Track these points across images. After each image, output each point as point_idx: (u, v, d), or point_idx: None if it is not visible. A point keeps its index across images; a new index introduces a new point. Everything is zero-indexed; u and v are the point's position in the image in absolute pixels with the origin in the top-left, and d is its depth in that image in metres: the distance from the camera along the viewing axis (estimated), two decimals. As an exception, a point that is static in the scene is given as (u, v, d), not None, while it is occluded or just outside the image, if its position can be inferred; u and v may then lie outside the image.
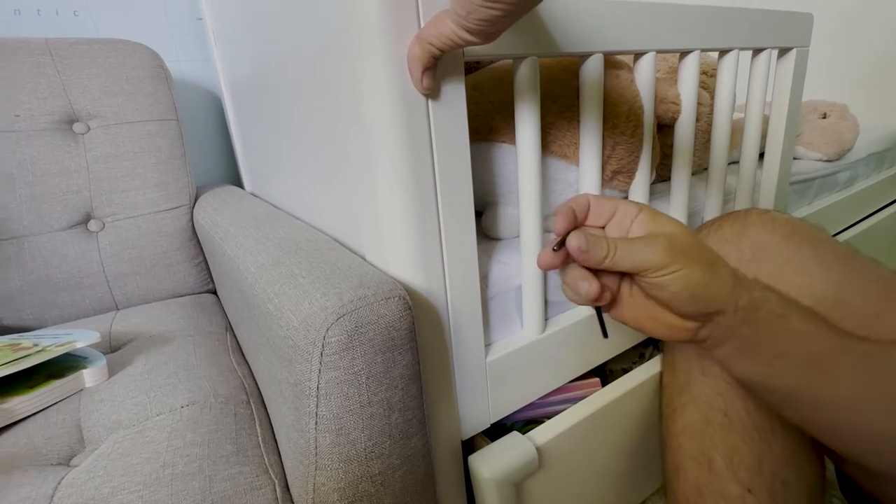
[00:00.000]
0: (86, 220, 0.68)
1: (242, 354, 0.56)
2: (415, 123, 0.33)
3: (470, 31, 0.27)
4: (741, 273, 0.32)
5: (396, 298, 0.31)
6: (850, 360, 0.30)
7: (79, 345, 0.47)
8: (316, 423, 0.30)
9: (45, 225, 0.65)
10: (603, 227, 0.32)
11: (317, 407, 0.30)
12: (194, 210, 0.73)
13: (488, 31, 0.27)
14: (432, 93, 0.33)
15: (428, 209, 0.35)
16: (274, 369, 0.36)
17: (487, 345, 0.45)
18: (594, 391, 0.53)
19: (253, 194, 0.82)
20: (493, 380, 0.43)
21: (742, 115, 0.61)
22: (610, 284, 0.32)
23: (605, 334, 0.34)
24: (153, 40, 0.79)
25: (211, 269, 0.74)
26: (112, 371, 0.48)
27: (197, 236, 0.74)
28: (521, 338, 0.46)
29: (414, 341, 0.32)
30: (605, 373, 0.62)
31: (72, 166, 0.66)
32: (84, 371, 0.45)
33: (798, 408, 0.32)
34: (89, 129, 0.68)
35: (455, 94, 0.34)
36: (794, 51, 0.60)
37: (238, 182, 0.89)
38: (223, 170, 0.94)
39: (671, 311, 0.31)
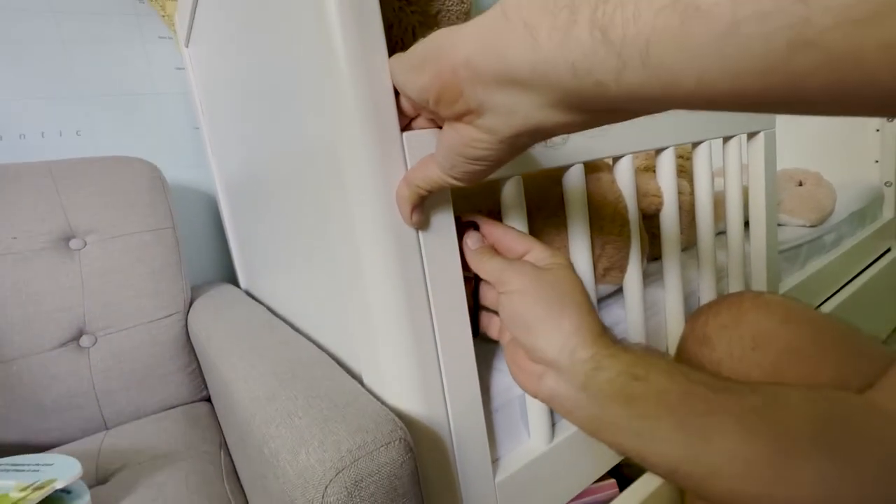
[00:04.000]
0: (78, 336, 0.67)
1: (237, 478, 0.53)
2: (406, 254, 0.33)
3: (455, 178, 0.29)
4: (598, 330, 0.30)
5: (397, 442, 0.30)
6: (732, 419, 0.26)
7: (59, 485, 0.44)
8: (316, 592, 0.28)
9: (35, 345, 0.64)
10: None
11: (317, 574, 0.28)
12: (189, 316, 0.73)
13: (472, 180, 0.28)
14: (422, 225, 0.34)
15: (424, 336, 0.34)
16: (270, 519, 0.34)
17: (495, 461, 0.43)
18: (611, 493, 0.50)
19: (248, 292, 0.82)
20: (503, 501, 0.41)
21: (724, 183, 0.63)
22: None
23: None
24: (152, 149, 0.83)
25: (206, 378, 0.72)
26: (98, 513, 0.45)
27: (191, 342, 0.72)
28: (530, 449, 0.44)
29: (417, 485, 0.31)
30: (620, 469, 0.59)
31: (66, 283, 0.66)
32: (65, 515, 0.42)
33: (695, 481, 0.26)
34: (86, 244, 0.69)
35: (444, 223, 0.35)
36: (762, 133, 0.63)
37: (233, 278, 0.89)
38: (219, 268, 0.95)
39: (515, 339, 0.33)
